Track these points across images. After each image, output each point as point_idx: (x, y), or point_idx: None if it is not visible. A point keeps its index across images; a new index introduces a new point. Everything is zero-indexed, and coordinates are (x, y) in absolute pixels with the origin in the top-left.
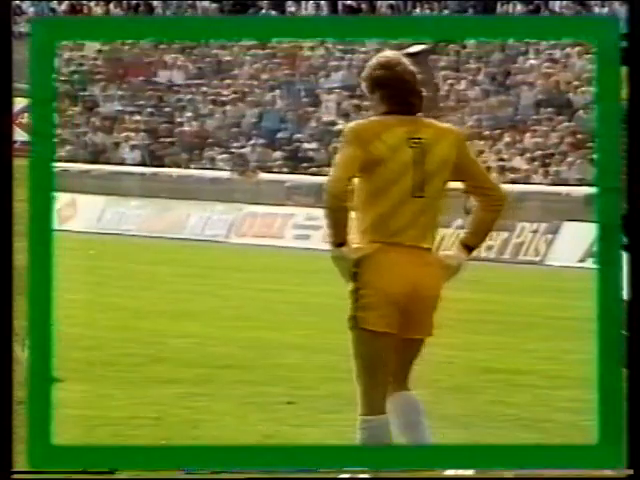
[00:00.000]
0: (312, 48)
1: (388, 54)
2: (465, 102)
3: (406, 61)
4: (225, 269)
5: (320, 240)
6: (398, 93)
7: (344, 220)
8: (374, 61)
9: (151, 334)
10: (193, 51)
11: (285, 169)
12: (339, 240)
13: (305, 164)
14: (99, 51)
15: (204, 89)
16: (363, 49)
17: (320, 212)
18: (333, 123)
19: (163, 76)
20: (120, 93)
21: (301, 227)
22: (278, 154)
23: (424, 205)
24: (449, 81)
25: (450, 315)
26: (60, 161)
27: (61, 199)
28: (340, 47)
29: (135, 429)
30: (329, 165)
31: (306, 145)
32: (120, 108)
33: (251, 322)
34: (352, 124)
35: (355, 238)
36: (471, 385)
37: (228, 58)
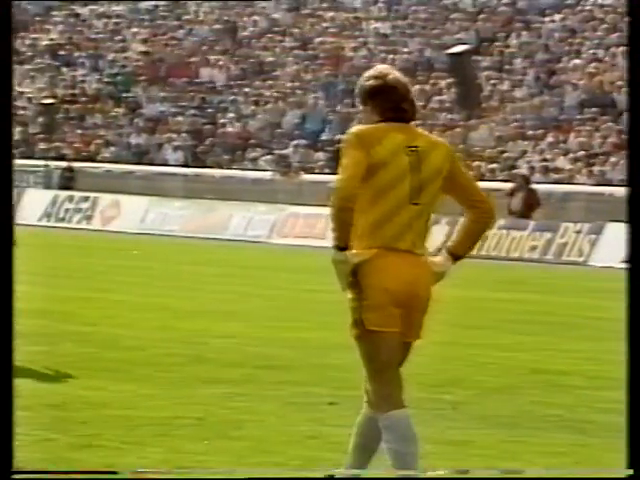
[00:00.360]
0: (355, 49)
1: (379, 67)
2: (508, 102)
3: (397, 72)
4: (267, 269)
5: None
6: (391, 100)
7: (350, 223)
8: (365, 74)
9: (193, 334)
10: (235, 52)
11: (327, 170)
12: (343, 244)
13: None
14: (142, 52)
15: (246, 90)
16: (406, 50)
17: None
18: None
19: (205, 77)
20: (163, 94)
21: None
22: (320, 155)
23: (419, 212)
24: (492, 81)
25: (494, 316)
26: (104, 162)
27: (105, 200)
28: (383, 48)
29: (178, 429)
30: None
31: None
32: (163, 109)
33: (293, 322)
34: (354, 129)
35: (352, 242)
36: (514, 385)
37: (270, 59)
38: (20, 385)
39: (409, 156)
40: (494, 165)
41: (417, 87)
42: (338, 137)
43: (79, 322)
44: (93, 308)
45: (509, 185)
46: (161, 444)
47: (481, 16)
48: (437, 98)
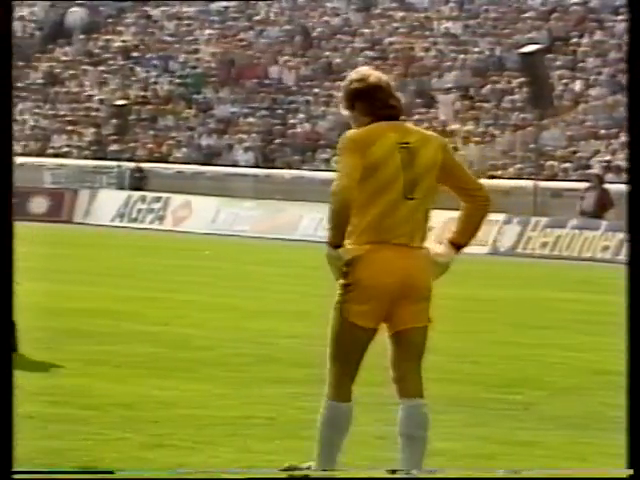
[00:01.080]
0: (425, 49)
1: (359, 69)
2: (581, 101)
3: (378, 72)
4: None
5: (430, 241)
6: (378, 99)
7: (346, 225)
8: (347, 79)
9: (262, 334)
10: (306, 53)
11: None
12: (338, 242)
13: None
14: (213, 53)
15: (316, 91)
16: (477, 49)
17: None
18: (446, 123)
19: (275, 78)
20: (233, 95)
21: None
22: None
23: (415, 206)
24: (564, 80)
25: (563, 316)
26: (175, 163)
27: (176, 200)
28: (453, 47)
29: (249, 428)
30: None
31: None
32: (234, 110)
33: None
34: (349, 134)
35: (348, 239)
36: (583, 386)
37: (340, 59)
38: (91, 385)
39: (401, 153)
40: (567, 165)
41: (488, 87)
42: None
43: (150, 322)
44: (163, 308)
45: (582, 185)
46: (232, 444)
47: (553, 15)
48: (509, 98)
